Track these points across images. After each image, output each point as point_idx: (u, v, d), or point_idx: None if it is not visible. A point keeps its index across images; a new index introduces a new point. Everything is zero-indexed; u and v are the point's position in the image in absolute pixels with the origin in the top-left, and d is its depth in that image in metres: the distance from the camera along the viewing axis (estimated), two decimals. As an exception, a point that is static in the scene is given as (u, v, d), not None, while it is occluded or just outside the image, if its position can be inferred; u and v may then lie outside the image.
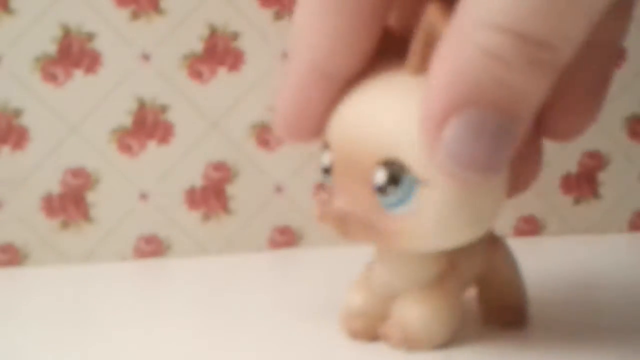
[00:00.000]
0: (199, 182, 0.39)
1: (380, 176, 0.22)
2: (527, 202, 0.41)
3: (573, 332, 0.27)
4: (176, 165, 0.38)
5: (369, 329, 0.26)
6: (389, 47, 0.23)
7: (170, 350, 0.26)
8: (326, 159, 0.24)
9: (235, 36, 0.38)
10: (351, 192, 0.23)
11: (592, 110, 0.24)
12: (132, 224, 0.38)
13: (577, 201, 0.42)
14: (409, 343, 0.25)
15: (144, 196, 0.38)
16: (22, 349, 0.27)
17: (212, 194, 0.39)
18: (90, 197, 0.38)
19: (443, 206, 0.22)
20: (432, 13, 0.21)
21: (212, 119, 0.38)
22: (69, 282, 0.35)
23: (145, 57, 0.37)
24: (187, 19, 0.37)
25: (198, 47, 0.37)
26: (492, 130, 0.19)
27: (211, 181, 0.39)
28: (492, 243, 0.27)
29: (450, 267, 0.25)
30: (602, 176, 0.42)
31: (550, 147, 0.42)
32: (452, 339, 0.25)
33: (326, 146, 0.24)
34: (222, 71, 0.38)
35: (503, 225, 0.41)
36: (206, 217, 0.39)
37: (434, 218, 0.22)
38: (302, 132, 0.23)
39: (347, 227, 0.23)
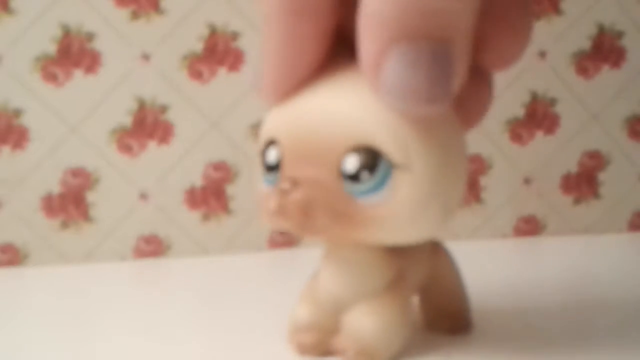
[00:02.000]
0: (198, 182, 0.39)
1: (352, 163, 0.21)
2: (527, 202, 0.41)
3: (573, 331, 0.27)
4: (176, 165, 0.38)
5: (319, 344, 0.25)
6: (337, 50, 0.22)
7: (170, 350, 0.26)
8: (273, 155, 0.22)
9: (235, 36, 0.38)
10: (314, 182, 0.21)
11: (524, 29, 0.23)
12: (132, 224, 0.38)
13: (577, 201, 0.42)
14: (365, 356, 0.24)
15: (143, 196, 0.38)
16: (22, 349, 0.26)
17: (212, 194, 0.39)
18: (90, 197, 0.38)
19: (420, 191, 0.21)
20: None
21: (212, 118, 0.38)
22: (68, 282, 0.35)
23: (145, 57, 0.37)
24: (187, 18, 0.37)
25: (198, 47, 0.37)
26: (427, 59, 0.19)
27: (211, 181, 0.39)
28: (434, 249, 0.27)
29: (399, 274, 0.24)
30: (602, 176, 0.42)
31: (549, 148, 0.43)
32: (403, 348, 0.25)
33: (270, 143, 0.23)
34: (222, 71, 0.38)
35: (504, 225, 0.41)
36: (206, 217, 0.39)
37: (409, 204, 0.21)
38: (288, 83, 0.22)
39: (312, 219, 0.21)
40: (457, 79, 0.19)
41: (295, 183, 0.21)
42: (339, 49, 0.22)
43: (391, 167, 0.21)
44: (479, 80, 0.22)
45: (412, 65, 0.19)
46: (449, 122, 0.22)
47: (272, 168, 0.23)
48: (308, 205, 0.21)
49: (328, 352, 0.25)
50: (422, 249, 0.24)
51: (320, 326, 0.24)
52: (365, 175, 0.21)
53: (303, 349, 0.25)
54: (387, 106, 0.20)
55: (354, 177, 0.21)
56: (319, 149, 0.21)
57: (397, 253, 0.24)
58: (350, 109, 0.21)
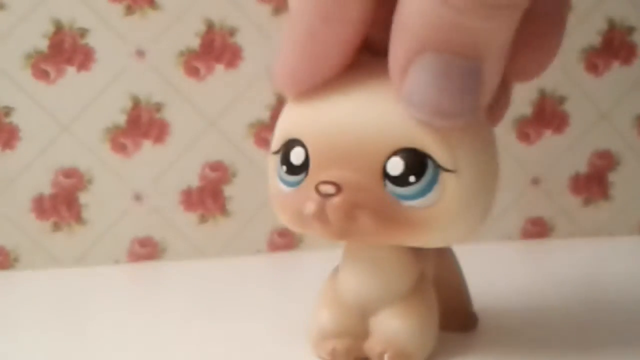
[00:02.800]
0: (195, 182, 0.38)
1: (397, 166, 0.21)
2: (535, 203, 0.41)
3: (582, 335, 0.27)
4: (172, 165, 0.38)
5: (351, 349, 0.24)
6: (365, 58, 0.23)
7: (166, 356, 0.26)
8: (299, 156, 0.22)
9: (232, 32, 0.37)
10: (356, 184, 0.21)
11: (552, 45, 0.23)
12: (126, 226, 0.38)
13: (587, 202, 0.42)
14: (403, 357, 0.24)
15: (138, 197, 0.38)
16: (13, 354, 0.26)
17: (209, 195, 0.38)
18: (83, 198, 0.37)
19: (467, 195, 0.21)
20: None
21: (209, 117, 0.38)
22: (61, 285, 0.35)
23: (140, 53, 0.36)
24: (183, 14, 0.37)
25: (194, 43, 0.37)
26: (452, 73, 0.19)
27: (208, 182, 0.38)
28: (439, 249, 0.26)
29: (422, 275, 0.25)
30: (613, 177, 0.42)
31: (558, 148, 0.42)
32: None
33: (292, 143, 0.22)
34: (219, 68, 0.37)
35: (511, 227, 0.41)
36: (203, 218, 0.38)
37: (454, 209, 0.21)
38: (307, 81, 0.22)
39: (355, 222, 0.21)
40: (483, 96, 0.20)
41: (339, 187, 0.21)
42: (369, 54, 0.22)
43: (439, 170, 0.21)
44: (499, 89, 0.22)
45: (436, 76, 0.19)
46: (486, 126, 0.22)
47: (296, 169, 0.22)
48: (352, 209, 0.21)
49: (360, 358, 0.24)
50: (432, 249, 0.24)
51: (350, 331, 0.24)
52: (411, 178, 0.21)
53: (336, 356, 0.24)
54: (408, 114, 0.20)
55: (400, 181, 0.21)
56: (360, 150, 0.21)
57: (419, 252, 0.24)
58: (392, 111, 0.21)
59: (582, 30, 0.40)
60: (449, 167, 0.21)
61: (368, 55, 0.22)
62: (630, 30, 0.40)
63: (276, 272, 0.38)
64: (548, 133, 0.40)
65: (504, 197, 0.41)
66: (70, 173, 0.37)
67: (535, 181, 0.41)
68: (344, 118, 0.22)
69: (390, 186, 0.21)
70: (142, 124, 0.37)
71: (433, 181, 0.21)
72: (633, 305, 0.31)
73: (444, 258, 0.27)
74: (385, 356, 0.24)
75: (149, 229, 0.38)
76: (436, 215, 0.21)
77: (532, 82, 0.39)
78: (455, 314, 0.27)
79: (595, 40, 0.40)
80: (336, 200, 0.21)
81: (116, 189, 0.37)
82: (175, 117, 0.37)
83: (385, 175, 0.21)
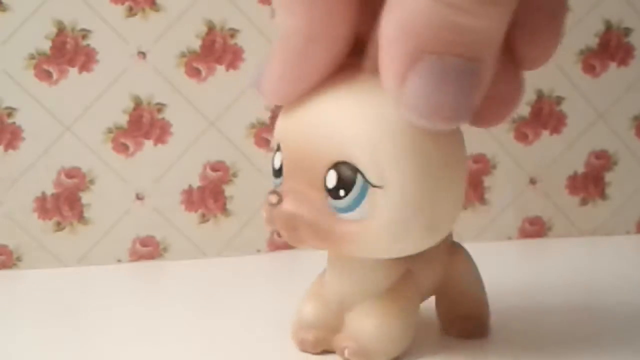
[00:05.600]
0: (196, 182, 0.38)
1: (332, 179, 0.21)
2: (533, 203, 0.41)
3: (580, 334, 0.27)
4: (173, 165, 0.38)
5: (320, 341, 0.25)
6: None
7: (167, 354, 0.26)
8: (278, 160, 0.23)
9: (233, 33, 0.37)
10: (301, 195, 0.22)
11: (555, 33, 0.23)
12: (128, 226, 0.38)
13: (584, 202, 0.42)
14: (362, 356, 0.24)
15: (140, 197, 0.38)
16: (15, 353, 0.26)
17: (210, 195, 0.38)
18: (85, 197, 0.37)
19: (396, 211, 0.21)
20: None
21: (210, 118, 0.38)
22: (63, 285, 0.35)
23: (142, 54, 0.37)
24: (184, 15, 0.37)
25: (195, 44, 0.37)
26: (453, 76, 0.19)
27: (209, 181, 0.38)
28: (451, 250, 0.27)
29: (407, 275, 0.25)
30: (610, 176, 0.42)
31: (555, 148, 0.42)
32: (409, 350, 0.25)
33: (278, 147, 0.23)
34: (220, 69, 0.37)
35: (509, 226, 0.41)
36: (204, 218, 0.38)
37: (386, 224, 0.21)
38: (292, 97, 0.22)
39: (296, 231, 0.22)
40: (480, 95, 0.19)
41: (280, 197, 0.22)
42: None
43: (367, 186, 0.21)
44: (511, 76, 0.22)
45: (437, 80, 0.19)
46: (447, 137, 0.22)
47: (278, 172, 0.23)
48: (292, 220, 0.22)
49: (329, 350, 0.25)
50: (435, 250, 0.24)
51: (324, 324, 0.25)
52: (342, 192, 0.21)
53: (304, 346, 0.25)
54: (408, 119, 0.20)
55: (334, 193, 0.21)
56: (309, 161, 0.22)
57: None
58: (334, 124, 0.21)
59: (579, 31, 0.40)
60: (375, 182, 0.21)
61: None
62: (627, 31, 0.40)
63: (276, 272, 0.38)
64: (545, 133, 0.40)
65: (502, 197, 0.41)
66: (72, 173, 0.37)
67: (533, 181, 0.41)
68: (300, 129, 0.22)
69: (329, 199, 0.22)
70: (143, 125, 0.37)
71: (362, 196, 0.21)
72: (630, 304, 0.31)
73: (455, 260, 0.27)
74: (345, 351, 0.24)
75: (150, 229, 0.38)
76: (367, 229, 0.21)
77: (530, 82, 0.39)
78: (464, 320, 0.27)
79: (592, 41, 0.40)
80: (279, 210, 0.22)
81: (118, 188, 0.37)
82: (177, 117, 0.37)
83: (325, 188, 0.22)
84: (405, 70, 0.19)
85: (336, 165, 0.21)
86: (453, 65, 0.19)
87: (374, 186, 0.21)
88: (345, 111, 0.21)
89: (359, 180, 0.21)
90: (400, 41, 0.19)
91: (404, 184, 0.21)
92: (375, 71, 0.21)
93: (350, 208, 0.21)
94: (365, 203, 0.21)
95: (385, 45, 0.19)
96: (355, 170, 0.21)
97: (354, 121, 0.21)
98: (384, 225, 0.21)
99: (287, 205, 0.22)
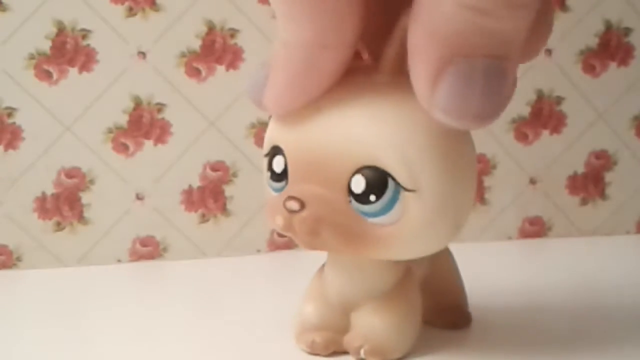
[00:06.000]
0: (196, 182, 0.38)
1: (360, 184, 0.21)
2: (533, 203, 0.41)
3: (580, 334, 0.27)
4: (173, 165, 0.38)
5: (330, 342, 0.25)
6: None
7: (167, 355, 0.26)
8: (279, 164, 0.23)
9: (233, 33, 0.37)
10: (324, 200, 0.22)
11: (550, 21, 0.23)
12: (128, 226, 0.38)
13: (584, 202, 0.42)
14: (379, 354, 0.24)
15: (140, 197, 0.38)
16: (15, 353, 0.26)
17: (210, 195, 0.38)
18: (85, 198, 0.37)
19: (428, 213, 0.21)
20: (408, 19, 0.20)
21: (210, 118, 0.38)
22: (63, 285, 0.35)
23: (142, 54, 0.37)
24: (184, 15, 0.37)
25: (195, 44, 0.37)
26: (483, 76, 0.19)
27: (209, 182, 0.38)
28: None
29: (409, 272, 0.25)
30: (610, 176, 0.42)
31: (556, 148, 0.42)
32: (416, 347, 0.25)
33: (275, 150, 0.23)
34: (220, 69, 0.37)
35: (509, 226, 0.41)
36: (203, 218, 0.38)
37: (418, 226, 0.21)
38: (297, 107, 0.22)
39: (319, 236, 0.22)
40: (509, 93, 0.20)
41: (302, 204, 0.21)
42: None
43: (399, 189, 0.21)
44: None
45: (468, 83, 0.19)
46: (461, 136, 0.22)
47: (279, 177, 0.23)
48: (315, 225, 0.21)
49: (338, 351, 0.25)
50: None
51: (330, 325, 0.25)
52: (372, 197, 0.21)
53: (314, 348, 0.25)
54: (441, 122, 0.20)
55: (362, 198, 0.21)
56: (327, 166, 0.21)
57: None
58: (359, 129, 0.21)
59: (579, 31, 0.40)
60: (409, 186, 0.21)
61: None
62: (627, 31, 0.40)
63: (276, 272, 0.38)
64: (545, 133, 0.40)
65: (502, 197, 0.41)
66: (72, 173, 0.37)
67: (533, 181, 0.41)
68: (315, 134, 0.22)
69: (354, 203, 0.21)
70: (143, 125, 0.37)
71: (394, 200, 0.21)
72: (630, 304, 0.31)
73: (439, 256, 0.27)
74: (361, 351, 0.24)
75: (150, 229, 0.38)
76: (398, 232, 0.21)
77: (530, 82, 0.39)
78: (449, 311, 0.27)
79: (592, 41, 0.40)
80: (300, 216, 0.21)
81: (118, 188, 0.37)
82: (177, 117, 0.37)
83: (350, 192, 0.21)
84: (437, 74, 0.19)
85: (361, 170, 0.21)
86: (482, 66, 0.19)
87: (408, 190, 0.21)
88: (368, 115, 0.21)
89: (391, 184, 0.21)
90: (430, 48, 0.19)
91: (436, 186, 0.21)
92: (394, 72, 0.21)
93: (381, 212, 0.21)
94: (397, 206, 0.21)
95: (415, 52, 0.19)
96: (385, 174, 0.21)
97: (379, 124, 0.21)
98: (416, 228, 0.21)
99: (312, 211, 0.21)
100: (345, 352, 0.25)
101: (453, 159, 0.21)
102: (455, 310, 0.27)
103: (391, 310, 0.24)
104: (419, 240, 0.22)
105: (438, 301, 0.27)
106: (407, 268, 0.25)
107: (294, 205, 0.21)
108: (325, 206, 0.21)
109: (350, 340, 0.24)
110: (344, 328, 0.25)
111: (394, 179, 0.21)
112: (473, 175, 0.23)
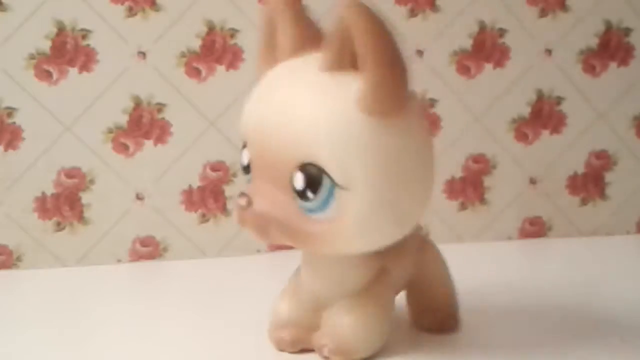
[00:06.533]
0: (196, 182, 0.38)
1: (299, 180, 0.22)
2: (533, 203, 0.41)
3: (581, 333, 0.27)
4: (173, 165, 0.38)
5: (297, 340, 0.25)
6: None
7: (167, 353, 0.26)
8: (245, 157, 0.23)
9: (233, 33, 0.37)
10: (270, 196, 0.22)
11: None
12: (128, 226, 0.38)
13: (584, 202, 0.42)
14: (342, 353, 0.24)
15: (140, 197, 0.38)
16: (15, 353, 0.26)
17: (210, 195, 0.38)
18: (85, 198, 0.37)
19: (364, 210, 0.21)
20: (347, 15, 0.21)
21: (210, 118, 0.38)
22: (63, 284, 0.35)
23: (142, 54, 0.37)
24: (184, 15, 0.37)
25: (195, 44, 0.37)
26: None
27: (209, 181, 0.38)
28: (421, 246, 0.27)
29: (382, 272, 0.25)
30: (610, 176, 0.42)
31: (556, 148, 0.42)
32: (385, 345, 0.25)
33: (244, 145, 0.23)
34: (220, 69, 0.37)
35: (509, 226, 0.41)
36: (204, 218, 0.38)
37: (355, 222, 0.22)
38: None
39: (267, 231, 0.22)
40: None
41: (249, 200, 0.22)
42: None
43: (334, 186, 0.21)
44: None
45: None
46: (406, 132, 0.22)
47: (246, 169, 0.24)
48: (262, 222, 0.22)
49: (307, 349, 0.25)
50: (407, 246, 0.25)
51: (300, 322, 0.25)
52: (310, 194, 0.22)
53: (281, 345, 0.25)
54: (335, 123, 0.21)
55: (302, 195, 0.22)
56: (275, 161, 0.22)
57: (380, 251, 0.24)
58: (299, 126, 0.22)
59: (579, 32, 0.40)
60: (342, 183, 0.21)
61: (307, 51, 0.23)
62: (627, 31, 0.40)
63: (276, 272, 0.38)
64: (546, 133, 0.40)
65: (502, 197, 0.41)
66: (72, 173, 0.37)
67: (533, 181, 0.41)
68: (265, 129, 0.22)
69: (298, 199, 0.22)
70: (143, 125, 0.37)
71: (329, 197, 0.22)
72: (630, 303, 0.31)
73: (425, 255, 0.27)
74: (325, 349, 0.24)
75: (150, 229, 0.38)
76: (337, 228, 0.22)
77: (530, 82, 0.39)
78: (435, 314, 0.27)
79: (593, 42, 0.40)
80: (248, 212, 0.22)
81: (118, 188, 0.37)
82: (177, 117, 0.37)
83: (293, 189, 0.22)
84: None
85: (303, 167, 0.21)
86: None
87: (341, 187, 0.21)
88: (307, 113, 0.21)
89: (326, 181, 0.21)
90: None
91: (370, 183, 0.21)
92: (332, 70, 0.21)
93: (319, 209, 0.22)
94: (333, 203, 0.21)
95: None
96: (322, 171, 0.21)
97: (316, 122, 0.21)
98: (354, 224, 0.22)
99: (257, 207, 0.22)
100: (313, 350, 0.25)
101: (393, 155, 0.22)
102: (442, 314, 0.27)
103: (359, 310, 0.24)
104: (360, 235, 0.22)
105: (425, 304, 0.27)
106: (381, 267, 0.25)
107: (242, 201, 0.22)
108: (271, 203, 0.22)
109: (317, 338, 0.25)
110: (316, 326, 0.25)
111: (328, 176, 0.21)
112: (420, 171, 0.23)
